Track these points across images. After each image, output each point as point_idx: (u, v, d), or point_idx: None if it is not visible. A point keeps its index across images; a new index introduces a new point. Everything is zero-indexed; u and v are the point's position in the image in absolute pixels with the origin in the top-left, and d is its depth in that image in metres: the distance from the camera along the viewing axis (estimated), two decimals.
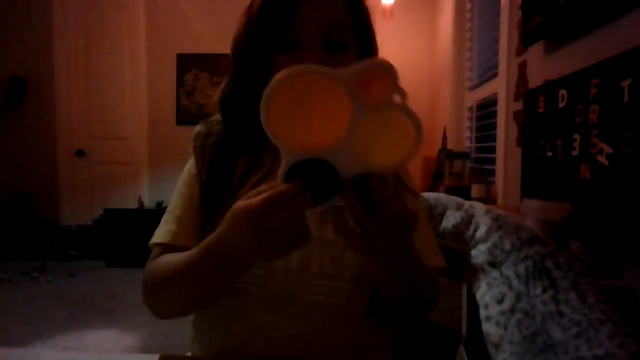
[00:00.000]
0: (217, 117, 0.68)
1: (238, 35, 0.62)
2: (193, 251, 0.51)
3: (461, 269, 0.85)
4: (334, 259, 0.60)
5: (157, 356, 0.58)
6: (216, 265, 0.49)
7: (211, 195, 0.61)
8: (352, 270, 0.60)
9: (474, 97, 2.93)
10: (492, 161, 2.36)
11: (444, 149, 3.05)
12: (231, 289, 0.58)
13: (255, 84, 0.59)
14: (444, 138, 3.17)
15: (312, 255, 0.60)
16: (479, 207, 0.92)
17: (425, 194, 1.02)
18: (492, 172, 2.34)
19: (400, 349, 0.77)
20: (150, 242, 0.63)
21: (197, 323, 0.67)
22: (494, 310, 0.76)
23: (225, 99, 0.64)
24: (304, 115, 0.41)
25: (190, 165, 0.67)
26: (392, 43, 4.04)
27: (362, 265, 0.60)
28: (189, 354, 0.70)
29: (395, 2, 3.67)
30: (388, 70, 0.42)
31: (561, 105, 1.45)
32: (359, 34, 0.60)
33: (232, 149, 0.52)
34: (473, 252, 0.86)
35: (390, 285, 0.55)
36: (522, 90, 1.88)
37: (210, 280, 0.52)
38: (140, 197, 3.82)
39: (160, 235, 0.62)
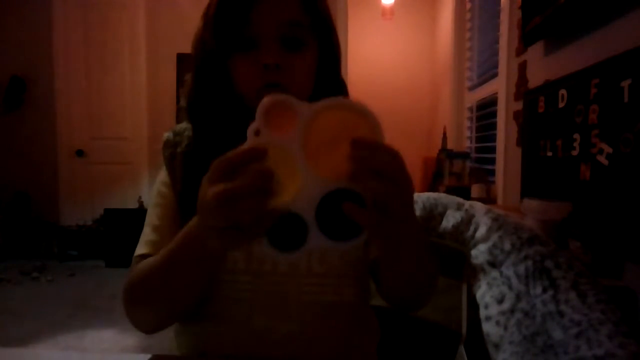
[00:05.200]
0: (184, 124, 0.67)
1: (197, 38, 0.62)
2: (167, 247, 0.52)
3: (461, 269, 0.85)
4: (321, 257, 0.61)
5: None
6: (186, 254, 0.50)
7: (190, 206, 0.60)
8: (338, 267, 0.62)
9: (474, 97, 2.93)
10: (492, 161, 2.36)
11: (444, 149, 3.05)
12: (207, 289, 0.58)
13: (217, 86, 0.59)
14: (444, 138, 3.17)
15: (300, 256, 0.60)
16: (479, 207, 0.92)
17: (425, 194, 1.02)
18: (492, 172, 2.34)
19: (400, 348, 0.78)
20: (134, 255, 0.62)
21: (184, 332, 0.66)
22: (494, 310, 0.76)
23: (192, 105, 0.63)
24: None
25: (161, 176, 0.67)
26: (392, 43, 4.05)
27: (347, 260, 0.62)
28: None
29: (395, 2, 3.67)
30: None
31: (561, 105, 1.45)
32: (318, 32, 0.60)
33: (204, 156, 0.52)
34: (473, 252, 0.86)
35: (396, 265, 0.55)
36: (522, 90, 1.88)
37: (185, 271, 0.52)
38: (140, 197, 3.82)
39: (142, 247, 0.62)
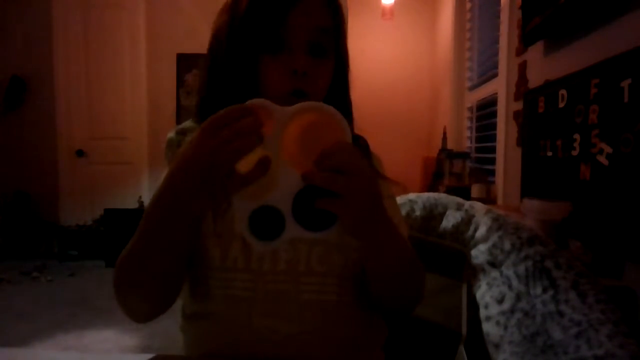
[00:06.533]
0: (188, 123, 0.67)
1: (219, 35, 0.61)
2: (140, 223, 0.52)
3: (461, 269, 0.85)
4: (321, 256, 0.61)
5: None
6: (163, 216, 0.49)
7: None
8: (339, 266, 0.61)
9: (474, 97, 2.93)
10: (492, 161, 2.36)
11: (444, 149, 3.05)
12: (186, 261, 0.57)
13: (240, 84, 0.58)
14: (444, 138, 3.17)
15: (299, 254, 0.60)
16: (479, 207, 0.93)
17: (425, 194, 1.02)
18: (492, 172, 2.34)
19: (400, 348, 0.78)
20: None
21: (186, 329, 0.66)
22: (494, 310, 0.76)
23: (205, 102, 0.62)
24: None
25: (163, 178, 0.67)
26: (392, 43, 4.05)
27: (347, 260, 0.62)
28: None
29: (395, 2, 3.67)
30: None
31: (561, 105, 1.45)
32: (337, 41, 0.61)
33: None
34: (473, 252, 0.86)
35: (378, 264, 0.56)
36: (522, 90, 1.88)
37: (163, 236, 0.51)
38: (140, 197, 3.82)
39: None
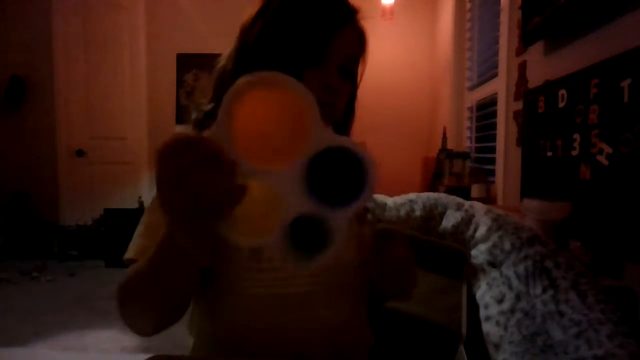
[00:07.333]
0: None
1: (258, 43, 0.63)
2: (151, 250, 0.51)
3: (461, 269, 0.85)
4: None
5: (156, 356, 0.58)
6: (168, 257, 0.48)
7: None
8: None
9: (474, 97, 2.93)
10: (492, 161, 2.36)
11: (443, 149, 3.05)
12: (194, 289, 0.59)
13: None
14: (444, 138, 3.16)
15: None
16: (479, 207, 0.93)
17: (425, 194, 1.02)
18: (492, 172, 2.34)
19: (400, 348, 0.78)
20: (124, 256, 0.62)
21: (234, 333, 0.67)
22: (494, 310, 0.76)
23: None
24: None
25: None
26: (392, 43, 4.04)
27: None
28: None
29: (395, 2, 3.66)
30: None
31: (561, 105, 1.45)
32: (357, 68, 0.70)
33: None
34: (473, 252, 0.86)
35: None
36: (522, 90, 1.88)
37: (166, 275, 0.51)
38: (140, 197, 3.82)
39: (132, 250, 0.62)
